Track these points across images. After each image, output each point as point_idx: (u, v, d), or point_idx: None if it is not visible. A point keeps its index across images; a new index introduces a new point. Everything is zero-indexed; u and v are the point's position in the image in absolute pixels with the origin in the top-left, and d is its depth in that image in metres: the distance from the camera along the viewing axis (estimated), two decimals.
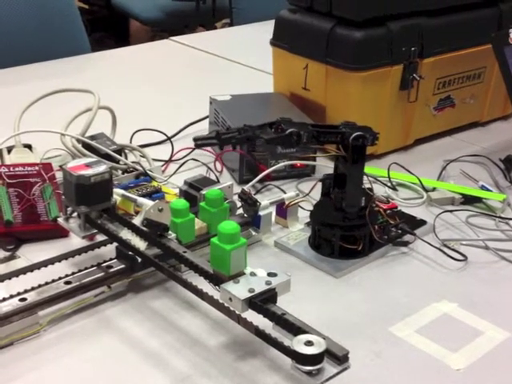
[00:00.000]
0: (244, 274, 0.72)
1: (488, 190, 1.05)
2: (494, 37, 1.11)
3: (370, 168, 1.09)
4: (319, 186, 0.93)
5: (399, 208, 0.96)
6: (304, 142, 0.83)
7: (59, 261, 0.81)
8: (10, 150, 1.04)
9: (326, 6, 1.12)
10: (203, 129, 1.20)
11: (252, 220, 0.92)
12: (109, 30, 3.47)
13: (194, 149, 1.12)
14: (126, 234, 0.82)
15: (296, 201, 0.95)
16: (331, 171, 0.90)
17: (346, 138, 0.84)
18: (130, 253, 0.81)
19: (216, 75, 1.57)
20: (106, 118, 1.14)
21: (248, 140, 0.82)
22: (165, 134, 1.18)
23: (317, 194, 0.95)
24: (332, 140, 0.85)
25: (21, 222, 0.89)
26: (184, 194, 0.94)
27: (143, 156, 1.12)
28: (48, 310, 0.76)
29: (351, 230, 0.88)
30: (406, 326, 0.78)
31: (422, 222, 0.96)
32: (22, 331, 0.73)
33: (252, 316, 0.69)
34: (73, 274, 0.79)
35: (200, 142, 0.81)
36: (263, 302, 0.69)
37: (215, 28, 3.16)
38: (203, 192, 0.89)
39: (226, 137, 0.81)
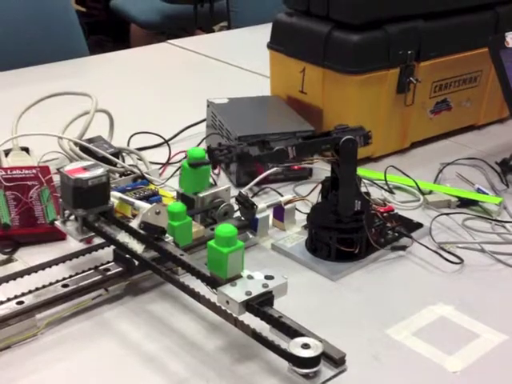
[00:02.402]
0: (241, 276, 0.72)
1: (484, 193, 1.05)
2: (490, 40, 1.12)
3: (366, 171, 1.09)
4: (317, 188, 0.93)
5: (396, 211, 0.96)
6: (293, 157, 0.84)
7: (56, 264, 0.81)
8: (7, 153, 1.04)
9: (323, 9, 1.12)
10: (200, 132, 1.21)
11: (249, 223, 0.92)
12: (107, 32, 3.47)
13: None
14: (123, 237, 0.82)
15: (295, 200, 0.95)
16: (329, 174, 0.90)
17: (337, 144, 0.85)
18: (128, 256, 0.81)
19: (213, 78, 1.57)
20: (104, 121, 1.14)
21: (239, 159, 0.84)
22: (162, 137, 1.18)
23: (314, 197, 0.95)
24: (323, 148, 0.86)
25: (18, 225, 0.90)
26: (181, 196, 0.94)
27: (140, 159, 1.12)
28: (45, 313, 0.76)
29: (348, 232, 0.88)
30: (402, 328, 0.79)
31: (419, 225, 0.96)
32: (19, 334, 0.74)
33: (249, 319, 0.69)
34: (70, 276, 0.79)
35: (194, 163, 0.86)
36: (260, 304, 0.69)
37: (213, 31, 3.16)
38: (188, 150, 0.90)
39: (218, 158, 0.83)
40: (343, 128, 0.87)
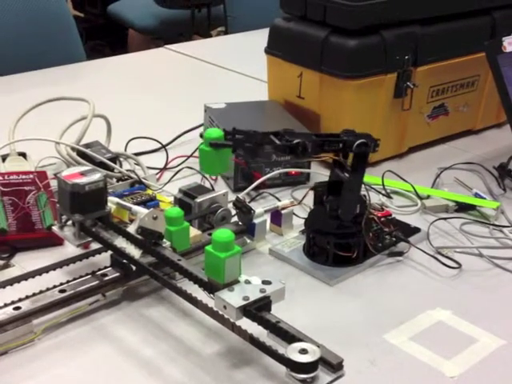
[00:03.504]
0: (238, 281, 0.72)
1: (482, 197, 1.05)
2: (487, 45, 1.12)
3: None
4: (312, 193, 0.93)
5: (393, 215, 0.96)
6: (309, 152, 0.84)
7: (54, 269, 0.81)
8: (4, 158, 1.04)
9: (320, 14, 1.12)
10: (198, 137, 1.20)
11: (247, 228, 0.92)
12: (105, 38, 3.47)
13: (188, 157, 1.13)
14: (120, 242, 0.82)
15: (289, 207, 0.95)
16: (326, 179, 0.90)
17: (348, 146, 0.85)
18: (125, 261, 0.81)
19: (211, 83, 1.57)
20: (101, 127, 1.14)
21: (258, 145, 0.84)
22: (159, 142, 1.18)
23: (311, 202, 0.95)
24: (335, 148, 0.86)
25: (15, 231, 0.89)
26: (179, 202, 0.94)
27: (138, 164, 1.12)
28: (42, 319, 0.76)
29: (346, 237, 0.88)
30: (400, 333, 0.78)
31: (416, 230, 0.96)
32: (16, 340, 0.73)
33: (246, 324, 0.69)
34: (67, 282, 0.79)
35: (215, 143, 0.84)
36: (258, 309, 0.69)
37: (210, 36, 3.17)
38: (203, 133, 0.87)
39: (239, 143, 0.83)
40: (351, 133, 0.87)
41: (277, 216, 0.96)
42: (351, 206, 0.87)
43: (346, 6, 1.09)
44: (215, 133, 0.86)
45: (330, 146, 0.86)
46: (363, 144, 0.85)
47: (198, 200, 0.92)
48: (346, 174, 0.86)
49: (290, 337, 0.67)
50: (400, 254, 0.92)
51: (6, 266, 0.87)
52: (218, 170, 0.91)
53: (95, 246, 0.86)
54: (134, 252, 0.81)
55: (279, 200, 1.00)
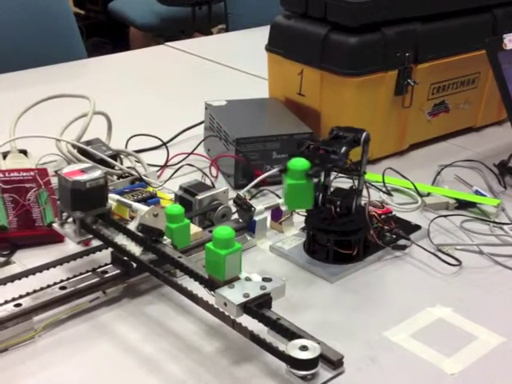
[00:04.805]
0: (239, 278, 0.72)
1: (482, 194, 1.05)
2: (487, 42, 1.12)
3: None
4: None
5: (394, 213, 0.96)
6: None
7: (54, 266, 0.81)
8: (5, 155, 1.05)
9: (321, 11, 1.12)
10: (199, 134, 1.21)
11: (247, 225, 0.92)
12: (106, 35, 3.47)
13: (189, 154, 1.13)
14: (121, 240, 0.82)
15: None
16: None
17: (356, 141, 0.86)
18: (126, 258, 0.81)
19: (211, 80, 1.57)
20: (102, 124, 1.14)
21: (326, 164, 0.85)
22: (160, 140, 1.18)
23: None
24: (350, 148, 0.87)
25: (16, 228, 0.89)
26: (179, 199, 0.94)
27: (138, 161, 1.12)
28: (43, 316, 0.76)
29: (346, 234, 0.88)
30: (400, 330, 0.78)
31: (417, 227, 0.96)
32: (16, 337, 0.73)
33: (247, 321, 0.69)
34: (68, 279, 0.79)
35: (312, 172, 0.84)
36: (258, 306, 0.69)
37: (211, 33, 3.17)
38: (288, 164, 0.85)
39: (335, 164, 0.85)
40: (343, 128, 0.87)
41: (277, 213, 0.96)
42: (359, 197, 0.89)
43: (347, 4, 1.09)
44: (300, 163, 0.84)
45: (353, 146, 0.87)
46: (368, 136, 0.86)
47: (199, 197, 0.92)
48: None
49: (290, 334, 0.67)
50: (403, 247, 0.92)
51: (7, 263, 0.87)
52: (307, 203, 0.86)
53: (96, 243, 0.86)
54: (135, 249, 0.81)
55: (280, 197, 1.00)
